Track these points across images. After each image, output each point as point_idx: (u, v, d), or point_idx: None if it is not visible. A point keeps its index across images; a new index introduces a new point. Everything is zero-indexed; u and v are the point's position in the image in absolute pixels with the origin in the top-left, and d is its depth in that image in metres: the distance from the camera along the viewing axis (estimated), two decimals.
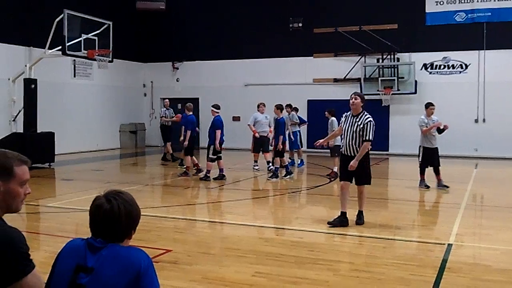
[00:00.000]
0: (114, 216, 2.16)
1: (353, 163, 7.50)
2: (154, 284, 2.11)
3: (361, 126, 7.53)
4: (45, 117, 16.24)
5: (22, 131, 15.16)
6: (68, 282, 2.10)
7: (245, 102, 21.28)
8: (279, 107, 13.39)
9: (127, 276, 2.05)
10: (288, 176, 13.01)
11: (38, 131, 15.30)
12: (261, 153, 14.13)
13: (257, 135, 13.87)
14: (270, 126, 14.03)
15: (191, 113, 13.91)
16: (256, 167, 14.45)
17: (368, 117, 7.62)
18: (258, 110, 14.17)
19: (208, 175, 12.66)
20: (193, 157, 13.71)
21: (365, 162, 7.72)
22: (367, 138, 7.50)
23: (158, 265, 5.66)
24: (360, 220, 7.75)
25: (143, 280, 2.07)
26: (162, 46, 23.66)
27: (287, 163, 13.46)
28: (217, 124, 12.53)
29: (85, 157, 17.73)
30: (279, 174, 13.02)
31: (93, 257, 2.10)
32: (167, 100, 17.80)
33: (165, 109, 17.35)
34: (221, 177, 12.73)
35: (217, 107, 12.82)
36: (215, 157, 12.60)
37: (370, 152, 7.85)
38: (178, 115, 16.54)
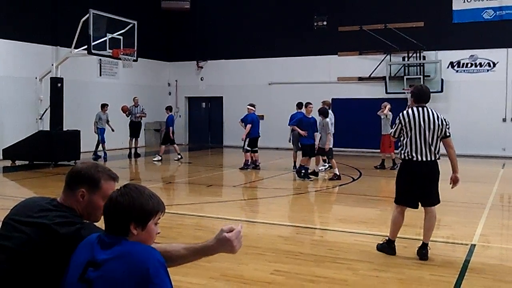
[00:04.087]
0: (106, 208, 2.20)
1: None
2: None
3: None
4: (71, 115, 16.47)
5: (48, 129, 15.39)
6: (79, 275, 2.11)
7: (269, 101, 21.29)
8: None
9: (135, 276, 2.01)
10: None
11: (64, 129, 15.54)
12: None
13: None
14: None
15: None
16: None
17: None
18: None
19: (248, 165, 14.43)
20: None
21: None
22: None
23: None
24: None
25: (153, 283, 2.00)
26: (186, 45, 23.80)
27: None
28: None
29: (110, 155, 17.89)
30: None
31: (104, 253, 2.10)
32: (136, 97, 18.37)
33: (134, 106, 18.12)
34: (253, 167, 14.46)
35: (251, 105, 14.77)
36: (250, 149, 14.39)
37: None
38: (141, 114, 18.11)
